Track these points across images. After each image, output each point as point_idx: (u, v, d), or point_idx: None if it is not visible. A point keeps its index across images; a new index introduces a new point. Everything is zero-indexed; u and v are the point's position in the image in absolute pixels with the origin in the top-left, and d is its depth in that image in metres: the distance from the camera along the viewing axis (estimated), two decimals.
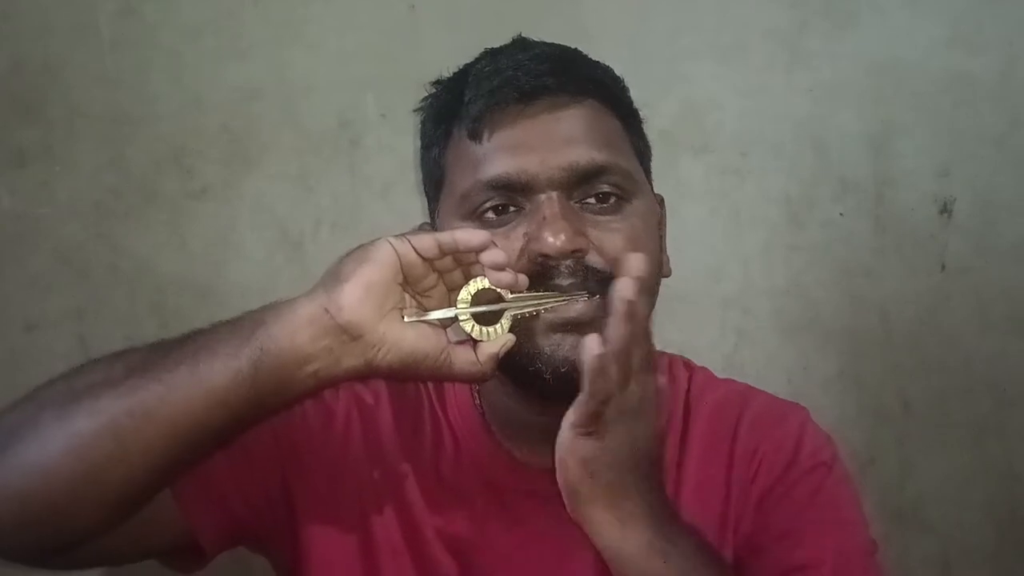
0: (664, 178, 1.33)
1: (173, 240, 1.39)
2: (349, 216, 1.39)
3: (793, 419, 0.93)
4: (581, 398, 0.71)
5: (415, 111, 0.94)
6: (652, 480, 0.75)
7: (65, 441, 0.71)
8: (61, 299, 1.39)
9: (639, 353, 0.71)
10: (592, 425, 0.71)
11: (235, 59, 1.38)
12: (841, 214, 1.38)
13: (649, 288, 0.83)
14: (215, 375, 0.71)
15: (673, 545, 0.73)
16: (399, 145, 1.33)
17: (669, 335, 1.31)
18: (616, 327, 0.69)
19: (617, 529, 0.73)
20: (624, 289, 0.69)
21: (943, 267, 1.37)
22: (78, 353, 1.37)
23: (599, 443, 0.72)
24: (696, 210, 1.38)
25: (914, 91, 1.36)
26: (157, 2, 1.38)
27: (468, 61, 0.91)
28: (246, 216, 1.39)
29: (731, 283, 1.40)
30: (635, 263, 0.71)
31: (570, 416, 0.72)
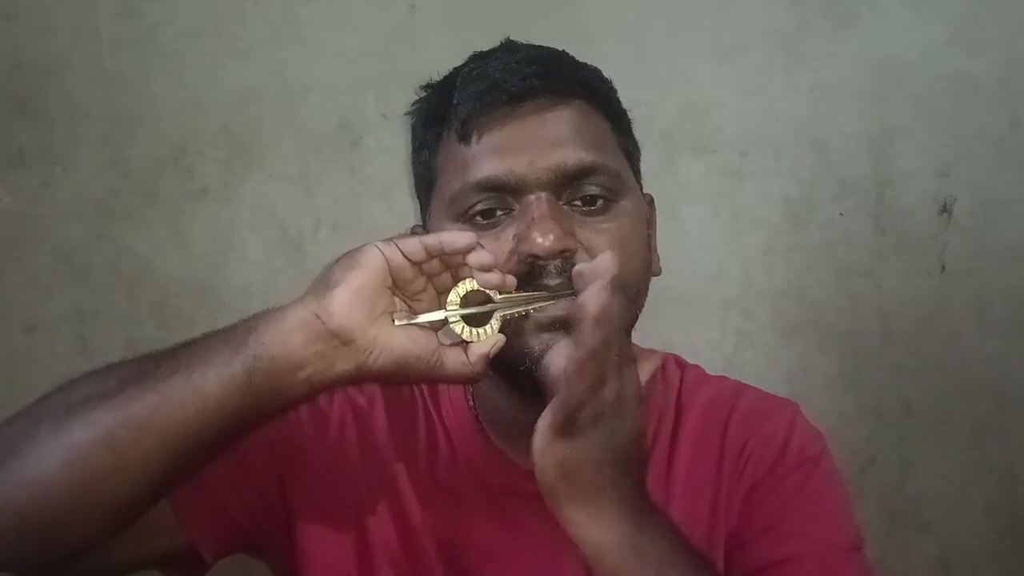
0: (664, 178, 1.35)
1: (173, 240, 1.39)
2: (349, 217, 1.39)
3: (783, 414, 0.93)
4: (554, 402, 0.70)
5: (406, 115, 0.94)
6: (630, 477, 0.74)
7: (62, 453, 0.71)
8: (61, 300, 1.39)
9: (614, 353, 0.70)
10: (566, 427, 0.71)
11: (235, 59, 1.38)
12: (841, 214, 1.38)
13: (628, 286, 0.84)
14: (209, 383, 0.71)
15: (649, 541, 0.73)
16: (399, 145, 1.32)
17: (669, 335, 1.32)
18: (588, 333, 0.68)
19: (592, 526, 0.73)
20: (593, 295, 0.68)
21: (943, 268, 1.37)
22: (78, 354, 1.38)
23: (574, 444, 0.71)
24: (696, 211, 1.38)
25: (914, 91, 1.36)
26: (157, 2, 1.38)
27: None
28: (246, 216, 1.39)
29: (731, 284, 1.40)
30: (602, 265, 0.69)
31: (545, 417, 0.71)
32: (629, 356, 0.72)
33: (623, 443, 0.72)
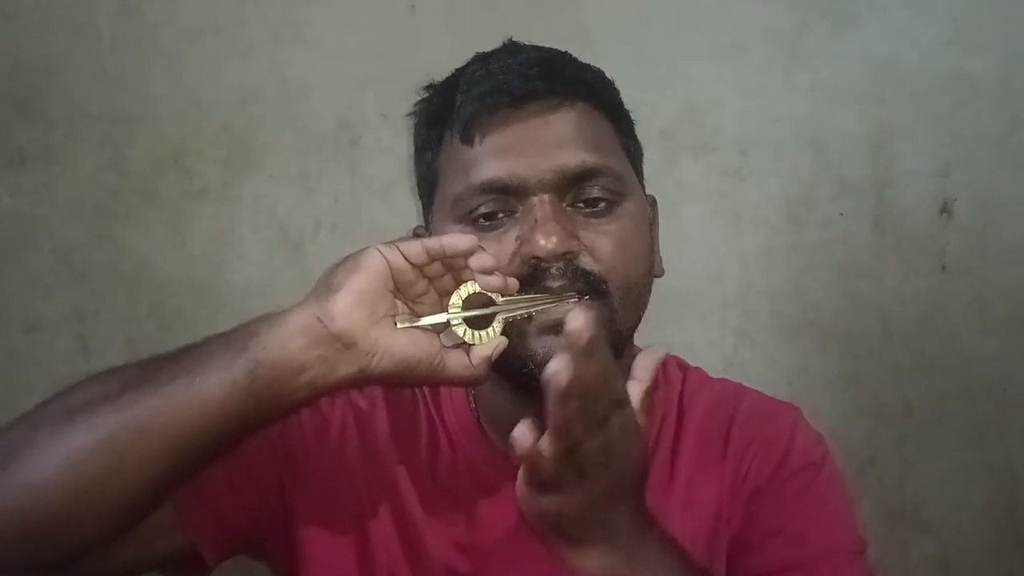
0: (664, 178, 1.34)
1: (173, 240, 1.39)
2: (349, 217, 1.39)
3: (785, 418, 0.94)
4: (524, 468, 0.68)
5: (408, 115, 0.94)
6: (622, 512, 0.71)
7: (62, 457, 0.71)
8: (61, 300, 1.39)
9: (594, 410, 0.65)
10: (544, 487, 0.68)
11: (235, 59, 1.38)
12: (841, 214, 1.38)
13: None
14: (210, 387, 0.71)
15: (642, 566, 0.72)
16: (399, 145, 1.33)
17: (669, 335, 1.32)
18: (552, 414, 0.63)
19: (581, 560, 0.71)
20: (554, 372, 0.61)
21: (943, 267, 1.37)
22: (78, 354, 1.37)
23: (556, 497, 0.69)
24: (696, 211, 1.38)
25: (914, 91, 1.36)
26: (157, 2, 1.38)
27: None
28: (246, 216, 1.39)
29: (731, 284, 1.40)
30: (572, 328, 0.61)
31: (523, 473, 0.69)
32: (617, 400, 0.67)
33: (612, 486, 0.69)
